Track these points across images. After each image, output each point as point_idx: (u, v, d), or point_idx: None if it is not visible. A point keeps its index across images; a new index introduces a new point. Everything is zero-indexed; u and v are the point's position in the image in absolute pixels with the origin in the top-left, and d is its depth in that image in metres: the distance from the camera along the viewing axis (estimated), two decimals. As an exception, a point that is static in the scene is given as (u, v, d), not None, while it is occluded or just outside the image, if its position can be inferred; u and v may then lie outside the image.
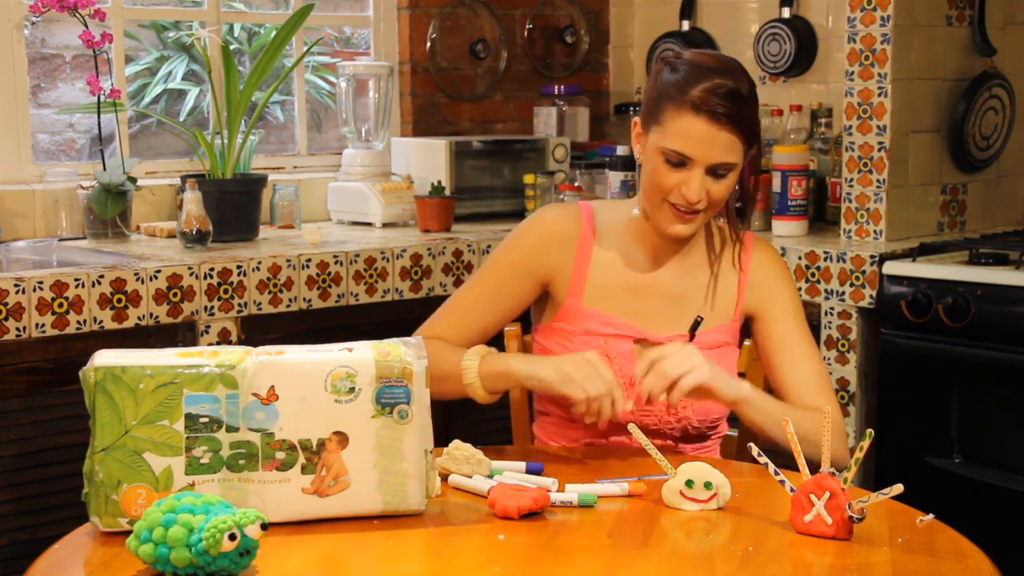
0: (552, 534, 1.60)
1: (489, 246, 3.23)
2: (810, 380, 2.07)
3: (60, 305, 2.57)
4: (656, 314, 2.10)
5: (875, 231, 3.16)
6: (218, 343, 2.79)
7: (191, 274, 2.75)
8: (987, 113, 3.29)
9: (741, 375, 2.19)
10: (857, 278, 2.99)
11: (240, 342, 2.83)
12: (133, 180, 3.15)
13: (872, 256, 2.97)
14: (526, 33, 4.14)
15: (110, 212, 3.09)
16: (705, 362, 1.90)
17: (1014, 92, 3.35)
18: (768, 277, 2.14)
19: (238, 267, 2.82)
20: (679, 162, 1.96)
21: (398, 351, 1.64)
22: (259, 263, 2.86)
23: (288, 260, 2.90)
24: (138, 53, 5.71)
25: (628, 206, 2.14)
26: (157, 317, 2.71)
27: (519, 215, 3.74)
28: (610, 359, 2.05)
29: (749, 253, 2.14)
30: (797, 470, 1.66)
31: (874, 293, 2.97)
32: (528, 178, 3.70)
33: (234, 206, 3.14)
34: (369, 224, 3.51)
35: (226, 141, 3.15)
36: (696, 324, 2.05)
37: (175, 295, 2.73)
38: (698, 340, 2.06)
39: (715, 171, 1.97)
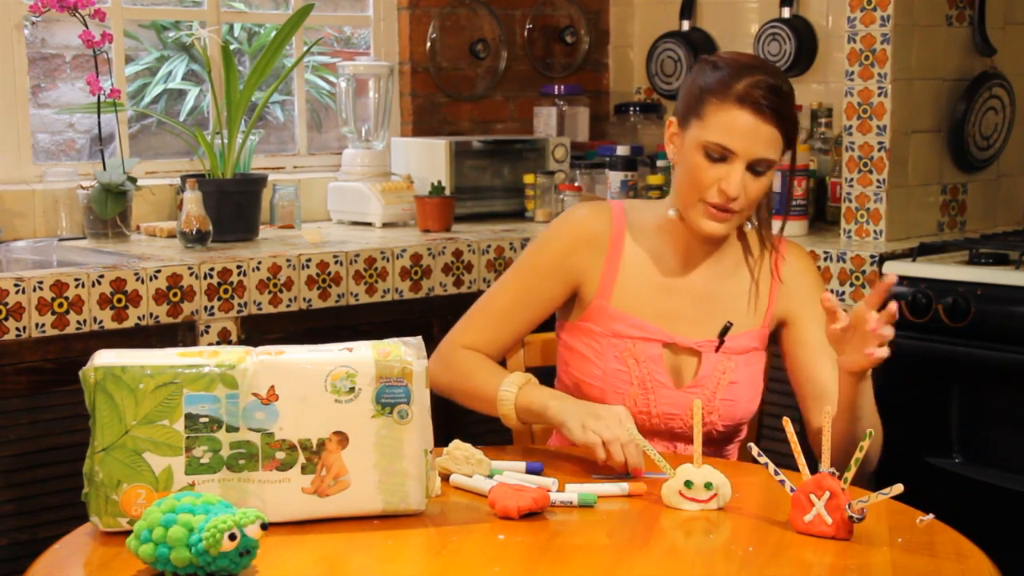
0: (552, 534, 1.60)
1: (489, 246, 3.24)
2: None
3: (60, 305, 2.57)
4: (685, 317, 2.07)
5: (875, 231, 3.16)
6: (218, 343, 2.79)
7: (191, 274, 2.75)
8: (987, 113, 3.29)
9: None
10: (857, 278, 2.99)
11: (240, 342, 2.83)
12: (133, 180, 3.15)
13: (872, 256, 2.97)
14: (526, 33, 4.14)
15: (110, 212, 3.09)
16: None
17: (1014, 92, 3.35)
18: (802, 283, 2.11)
19: (238, 267, 2.82)
20: (720, 156, 1.95)
21: (398, 351, 1.64)
22: (259, 263, 2.86)
23: (288, 260, 2.90)
24: (138, 53, 5.72)
25: (661, 207, 2.10)
26: (157, 317, 2.71)
27: (519, 215, 3.74)
28: (637, 362, 2.04)
29: (783, 258, 2.12)
30: (797, 470, 1.66)
31: (874, 293, 2.96)
32: (528, 178, 3.70)
33: (234, 206, 3.14)
34: (369, 224, 3.51)
35: (226, 141, 3.15)
36: (725, 329, 2.04)
37: (175, 295, 2.73)
38: (727, 345, 2.05)
39: (755, 168, 1.96)
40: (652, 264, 2.08)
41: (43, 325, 2.55)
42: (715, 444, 2.11)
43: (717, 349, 2.06)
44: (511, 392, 1.97)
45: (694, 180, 1.97)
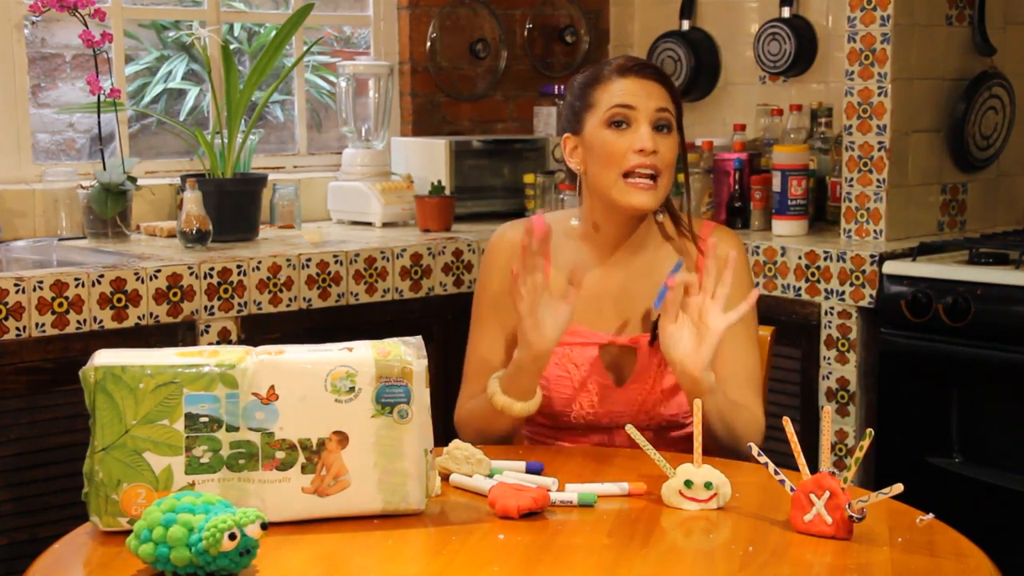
0: (552, 534, 1.60)
1: (489, 246, 3.23)
2: (739, 376, 2.09)
3: (60, 305, 2.57)
4: (615, 319, 2.11)
5: (875, 231, 3.16)
6: (218, 343, 2.79)
7: (191, 274, 2.75)
8: (987, 113, 3.29)
9: None
10: (857, 278, 2.99)
11: (240, 342, 2.83)
12: (133, 180, 3.15)
13: (872, 256, 2.97)
14: (526, 33, 4.13)
15: (110, 212, 3.10)
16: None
17: (1014, 92, 3.35)
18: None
19: (238, 267, 2.82)
20: (624, 119, 2.04)
21: (398, 351, 1.63)
22: (259, 263, 2.86)
23: (288, 260, 2.90)
24: (138, 53, 5.72)
25: (575, 214, 2.16)
26: (157, 317, 2.71)
27: (519, 215, 3.74)
28: (577, 367, 2.08)
29: (706, 241, 2.10)
30: (797, 470, 1.66)
31: (874, 293, 2.97)
32: (528, 178, 3.70)
33: (234, 206, 3.14)
34: (369, 224, 3.51)
35: (226, 141, 3.15)
36: (656, 322, 2.06)
37: (175, 295, 2.73)
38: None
39: (658, 125, 2.04)
40: (578, 270, 2.06)
41: (43, 325, 2.55)
42: (662, 431, 2.12)
43: (651, 342, 2.08)
44: (495, 388, 2.01)
45: (608, 156, 2.04)
